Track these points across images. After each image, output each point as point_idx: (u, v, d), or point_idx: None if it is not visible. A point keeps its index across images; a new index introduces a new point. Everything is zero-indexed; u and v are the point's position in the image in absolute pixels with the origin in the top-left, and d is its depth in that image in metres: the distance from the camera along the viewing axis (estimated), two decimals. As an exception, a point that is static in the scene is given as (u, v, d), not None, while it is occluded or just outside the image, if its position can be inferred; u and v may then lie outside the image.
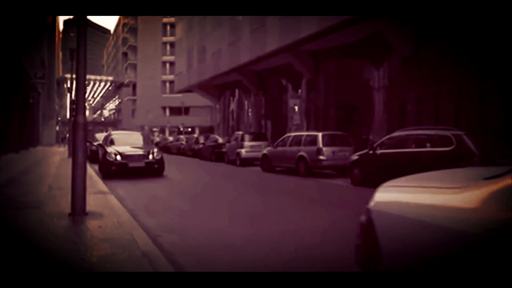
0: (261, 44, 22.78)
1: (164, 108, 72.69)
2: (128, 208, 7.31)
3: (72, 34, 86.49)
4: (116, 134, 15.73)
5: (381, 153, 10.66)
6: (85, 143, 6.11)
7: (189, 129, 62.21)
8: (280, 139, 15.99)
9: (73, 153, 6.07)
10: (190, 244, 5.06)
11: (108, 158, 13.23)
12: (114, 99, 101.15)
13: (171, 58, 62.54)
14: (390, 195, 1.70)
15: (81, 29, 6.12)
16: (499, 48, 12.88)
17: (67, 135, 57.91)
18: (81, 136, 6.03)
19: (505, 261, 1.10)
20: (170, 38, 66.29)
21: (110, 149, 13.54)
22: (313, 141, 13.87)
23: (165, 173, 14.22)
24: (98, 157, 15.43)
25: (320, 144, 13.46)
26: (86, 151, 6.19)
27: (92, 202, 7.19)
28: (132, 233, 5.06)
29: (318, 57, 21.85)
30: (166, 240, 5.19)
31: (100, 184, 10.49)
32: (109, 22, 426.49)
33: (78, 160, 6.03)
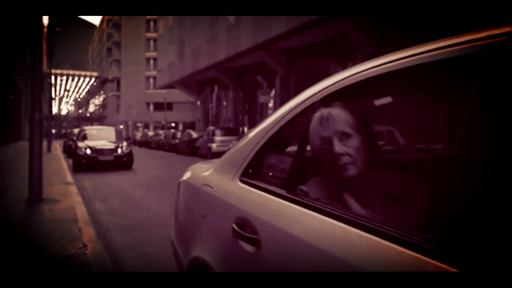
0: (236, 42, 23.56)
1: (148, 104, 73.06)
2: (85, 196, 8.07)
3: (58, 29, 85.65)
4: (88, 129, 16.39)
5: None
6: (41, 137, 6.85)
7: (173, 124, 62.75)
8: (245, 134, 16.82)
9: (30, 145, 6.81)
10: (126, 223, 5.86)
11: (79, 152, 13.93)
12: (99, 94, 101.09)
13: (155, 54, 62.87)
14: (190, 171, 2.52)
15: (37, 32, 6.84)
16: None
17: (53, 131, 58.14)
18: (37, 130, 6.77)
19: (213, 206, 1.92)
20: (154, 34, 66.56)
21: (81, 144, 14.23)
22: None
23: (135, 166, 14.95)
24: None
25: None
26: (42, 143, 6.92)
27: (54, 191, 7.94)
28: (77, 214, 5.83)
29: (290, 55, 22.69)
30: (106, 220, 5.99)
31: (68, 176, 11.19)
32: (94, 17, 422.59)
33: (34, 152, 6.77)
